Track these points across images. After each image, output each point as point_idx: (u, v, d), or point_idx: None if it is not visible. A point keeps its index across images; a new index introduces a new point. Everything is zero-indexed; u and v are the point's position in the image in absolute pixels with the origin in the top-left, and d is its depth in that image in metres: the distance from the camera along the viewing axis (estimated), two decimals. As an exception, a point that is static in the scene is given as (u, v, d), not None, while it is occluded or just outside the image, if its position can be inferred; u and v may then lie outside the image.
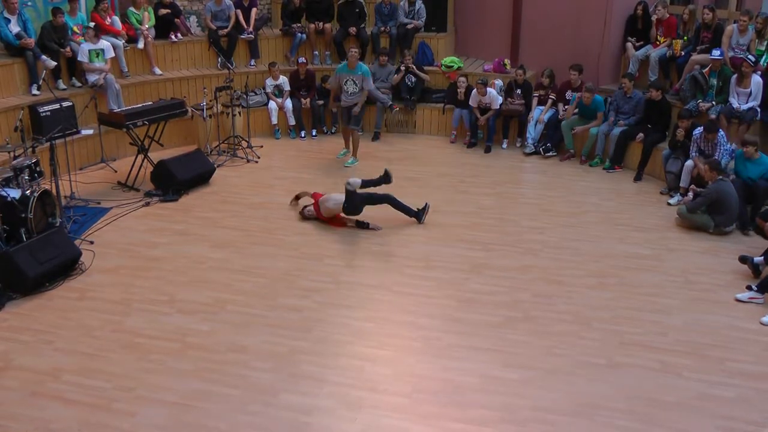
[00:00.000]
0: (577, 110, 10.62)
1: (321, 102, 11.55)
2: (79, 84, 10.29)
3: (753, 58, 9.22)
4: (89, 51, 10.09)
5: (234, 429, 4.94)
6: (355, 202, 7.98)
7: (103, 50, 10.21)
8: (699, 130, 8.84)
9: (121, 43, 10.72)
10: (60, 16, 9.96)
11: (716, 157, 8.57)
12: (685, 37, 10.57)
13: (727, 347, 5.95)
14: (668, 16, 10.77)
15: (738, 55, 9.62)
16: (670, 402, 5.25)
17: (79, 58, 10.08)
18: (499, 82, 11.34)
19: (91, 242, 7.69)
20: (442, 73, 11.92)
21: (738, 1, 10.88)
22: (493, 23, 12.42)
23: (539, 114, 10.84)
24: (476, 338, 6.03)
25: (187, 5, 12.49)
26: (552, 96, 10.88)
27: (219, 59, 11.67)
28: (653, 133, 9.81)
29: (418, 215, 8.30)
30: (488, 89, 10.92)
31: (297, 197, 8.75)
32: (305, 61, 11.57)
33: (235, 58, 11.84)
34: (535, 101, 10.97)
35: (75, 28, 10.35)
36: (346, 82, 10.07)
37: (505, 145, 11.14)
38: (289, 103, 11.44)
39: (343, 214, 8.16)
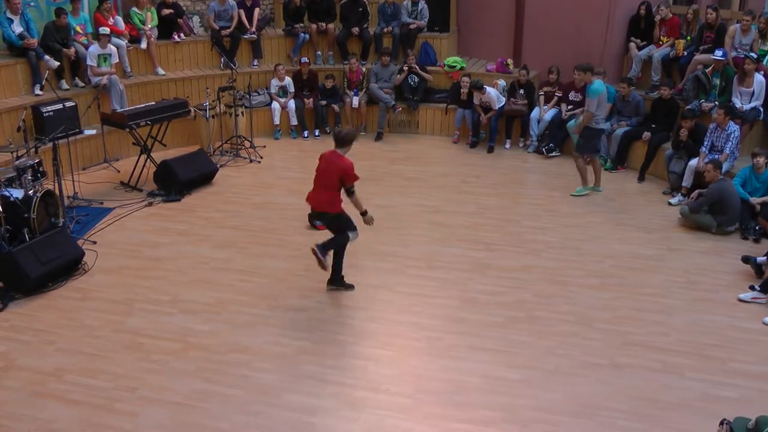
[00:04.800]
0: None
1: (323, 102, 11.55)
2: (81, 84, 10.30)
3: (755, 57, 9.20)
4: (98, 56, 10.12)
5: (236, 429, 4.94)
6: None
7: (110, 55, 10.26)
8: (713, 125, 8.82)
9: (124, 43, 10.73)
10: (63, 17, 9.98)
11: (726, 151, 8.56)
12: (688, 37, 10.55)
13: (729, 347, 5.94)
14: (671, 16, 10.75)
15: (740, 55, 9.61)
16: (672, 402, 5.25)
17: (88, 62, 10.11)
18: (502, 83, 11.33)
19: (94, 242, 7.70)
20: (445, 73, 11.91)
21: (741, 1, 10.86)
22: (496, 23, 12.40)
23: (540, 112, 10.84)
24: (478, 338, 6.03)
25: (189, 5, 12.50)
26: (558, 93, 10.86)
27: (222, 59, 11.68)
28: (658, 133, 9.79)
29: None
30: (488, 89, 10.90)
31: None
32: (308, 61, 11.58)
33: (237, 58, 11.84)
34: (541, 99, 10.95)
35: (78, 28, 10.37)
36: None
37: (507, 145, 11.14)
38: (291, 104, 11.44)
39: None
